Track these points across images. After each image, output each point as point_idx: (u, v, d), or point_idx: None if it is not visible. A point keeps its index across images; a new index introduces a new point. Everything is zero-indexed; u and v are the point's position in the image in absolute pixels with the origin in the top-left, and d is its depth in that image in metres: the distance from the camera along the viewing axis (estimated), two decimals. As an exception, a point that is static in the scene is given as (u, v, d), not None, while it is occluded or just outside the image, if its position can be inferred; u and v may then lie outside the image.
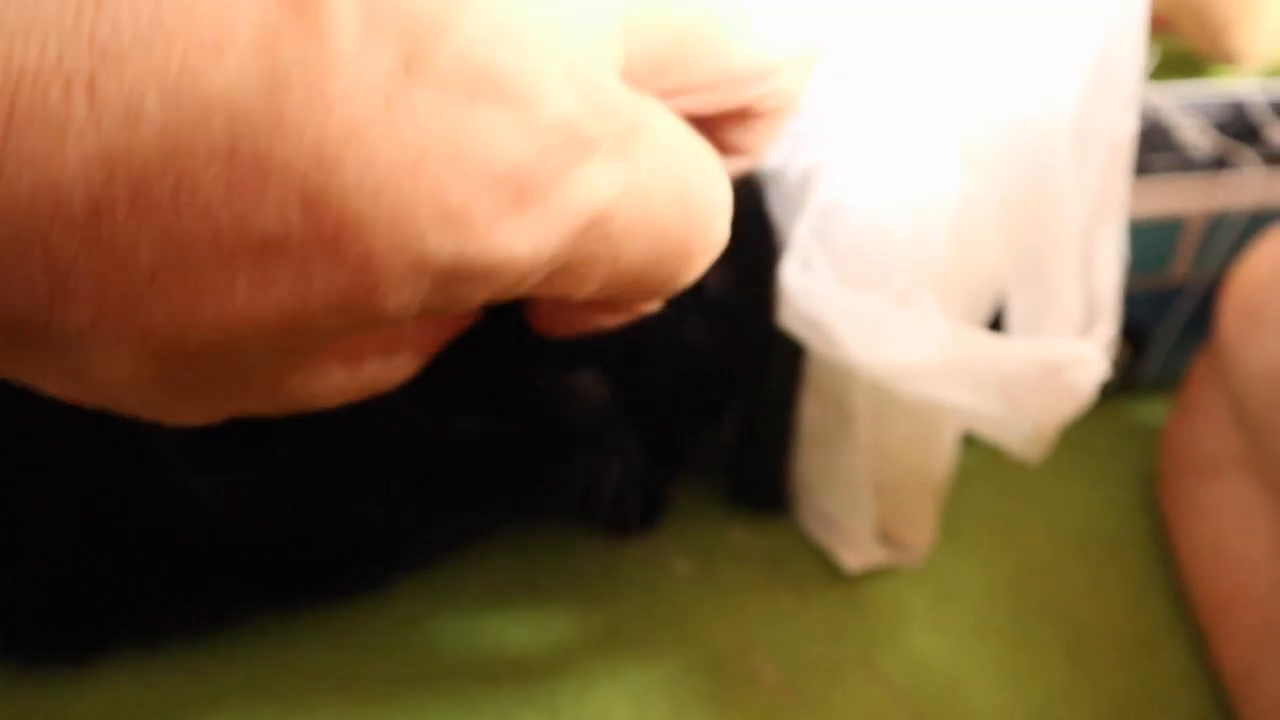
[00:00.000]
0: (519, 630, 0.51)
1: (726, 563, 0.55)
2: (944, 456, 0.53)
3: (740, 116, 0.28)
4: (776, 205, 0.45)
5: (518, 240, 0.21)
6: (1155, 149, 0.66)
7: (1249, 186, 0.58)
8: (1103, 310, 0.48)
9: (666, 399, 0.48)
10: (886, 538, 0.54)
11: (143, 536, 0.44)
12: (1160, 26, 0.85)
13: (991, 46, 0.43)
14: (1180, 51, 0.85)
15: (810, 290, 0.41)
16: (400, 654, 0.50)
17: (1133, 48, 0.44)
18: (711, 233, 0.27)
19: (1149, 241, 0.58)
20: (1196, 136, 0.63)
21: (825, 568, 0.54)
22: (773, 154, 0.42)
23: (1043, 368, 0.43)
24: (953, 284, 0.44)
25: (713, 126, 0.28)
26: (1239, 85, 0.68)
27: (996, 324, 0.49)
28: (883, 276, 0.42)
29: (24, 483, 0.42)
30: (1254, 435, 0.48)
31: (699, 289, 0.35)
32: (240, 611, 0.50)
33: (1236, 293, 0.47)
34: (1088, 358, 0.44)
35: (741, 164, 0.30)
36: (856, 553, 0.54)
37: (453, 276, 0.21)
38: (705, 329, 0.46)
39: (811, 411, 0.52)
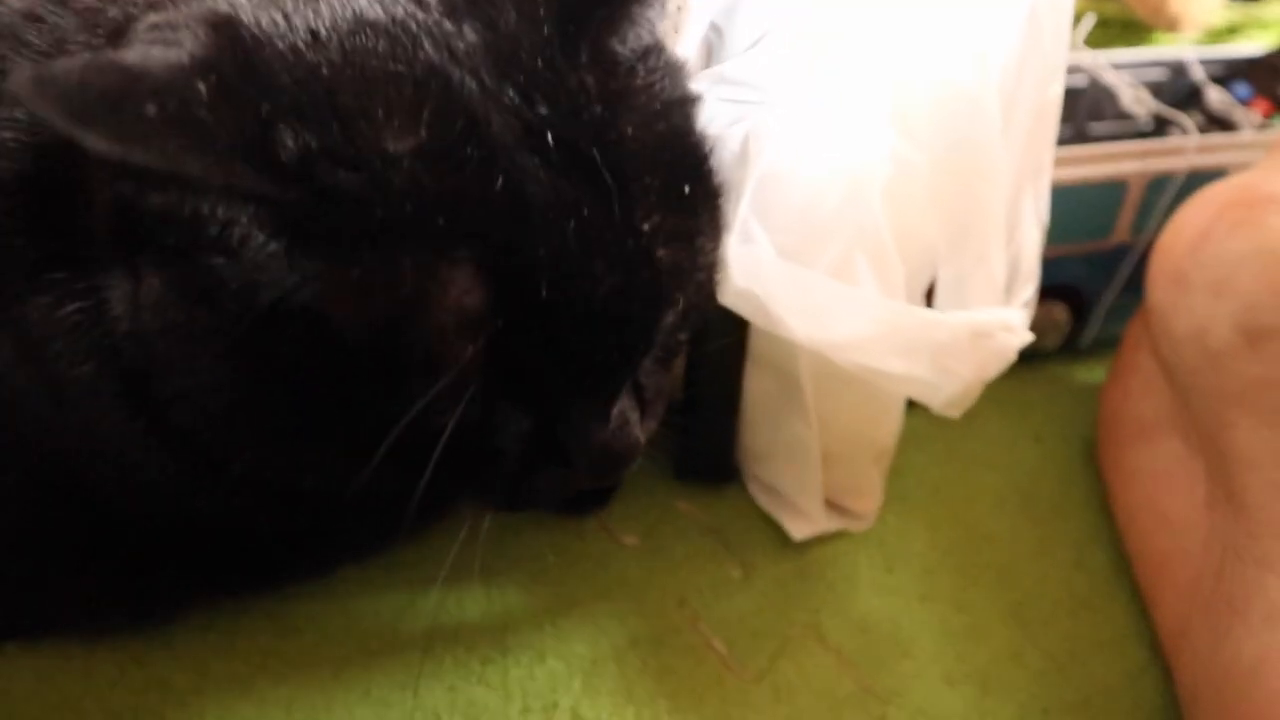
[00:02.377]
0: (468, 607, 0.51)
1: (674, 535, 0.55)
2: (890, 424, 0.53)
3: None
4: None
5: None
6: (1096, 115, 0.67)
7: (1188, 151, 0.58)
8: (1025, 272, 0.49)
9: None
10: (834, 505, 0.55)
11: (90, 520, 0.44)
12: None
13: (923, 12, 0.43)
14: (1121, 17, 0.86)
15: (750, 264, 0.41)
16: (347, 637, 0.50)
17: (1060, 13, 0.44)
18: None
19: (1090, 206, 0.59)
20: (1136, 102, 0.63)
21: (773, 537, 0.55)
22: (717, 118, 0.42)
23: (971, 334, 0.43)
24: (890, 252, 0.44)
25: None
26: (1178, 51, 0.68)
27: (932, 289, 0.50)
28: (819, 246, 0.42)
29: None
30: (1181, 396, 0.48)
31: None
32: (185, 599, 0.49)
33: (1163, 256, 0.47)
34: (1012, 322, 0.45)
35: None
36: (804, 521, 0.54)
37: None
38: None
39: (757, 383, 0.52)
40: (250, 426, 0.36)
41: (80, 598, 0.47)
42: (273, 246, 0.32)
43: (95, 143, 0.29)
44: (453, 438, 0.35)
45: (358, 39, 0.33)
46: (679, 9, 0.45)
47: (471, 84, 0.33)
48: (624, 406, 0.39)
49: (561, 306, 0.34)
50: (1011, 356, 0.45)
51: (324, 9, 0.34)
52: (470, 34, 0.34)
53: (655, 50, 0.38)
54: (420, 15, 0.34)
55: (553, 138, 0.34)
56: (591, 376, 0.37)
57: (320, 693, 0.47)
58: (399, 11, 0.34)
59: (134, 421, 0.39)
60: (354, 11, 0.34)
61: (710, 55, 0.47)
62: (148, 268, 0.34)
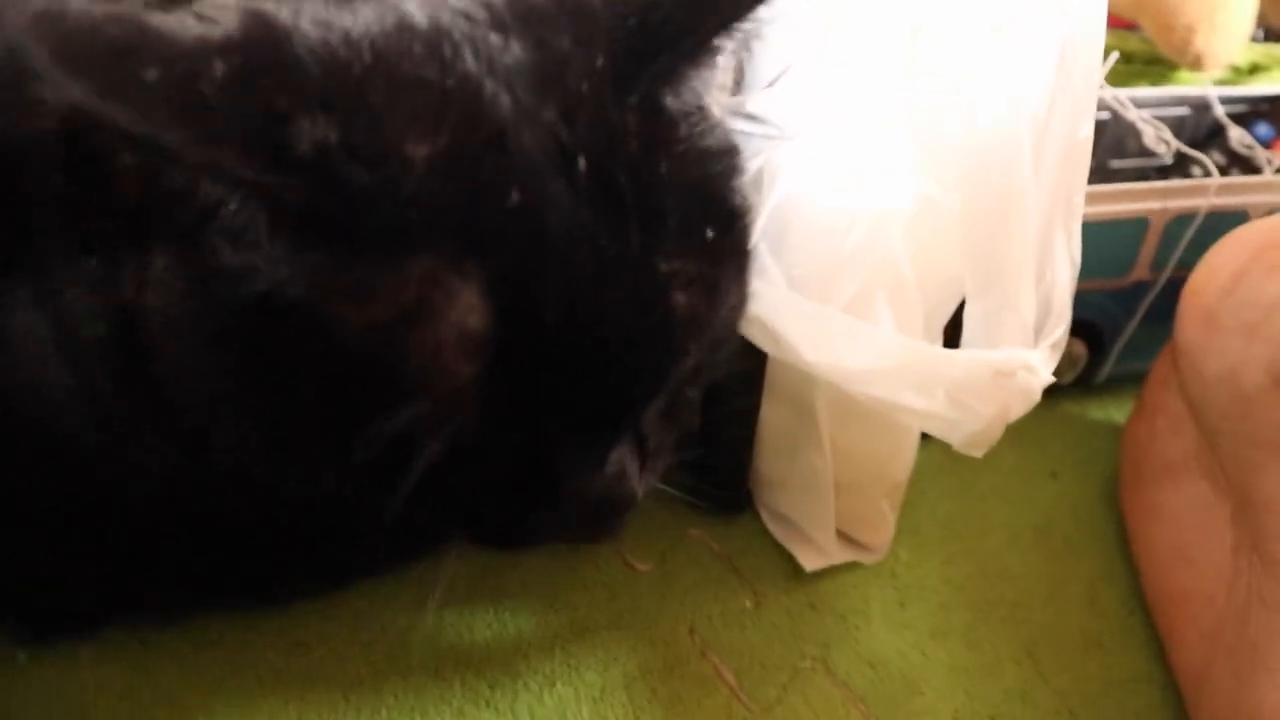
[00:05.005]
0: (479, 630, 0.51)
1: (687, 563, 0.55)
2: (904, 457, 0.53)
3: None
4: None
5: None
6: (1117, 151, 0.67)
7: (1209, 190, 0.58)
8: (1055, 312, 0.49)
9: None
10: (846, 537, 0.55)
11: (104, 531, 0.44)
12: (1123, 28, 0.86)
13: (955, 49, 0.43)
14: (1145, 53, 0.86)
15: (765, 296, 0.41)
16: (357, 656, 0.49)
17: (1091, 53, 0.44)
18: None
19: (1111, 243, 0.59)
20: (1157, 140, 0.63)
21: (785, 567, 0.54)
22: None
23: (991, 373, 0.43)
24: (910, 289, 0.44)
25: None
26: (1200, 89, 0.69)
27: (956, 324, 0.50)
28: (837, 280, 0.42)
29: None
30: (1209, 438, 0.48)
31: None
32: (196, 612, 0.49)
33: (1194, 297, 0.47)
34: (1033, 362, 0.45)
35: None
36: (816, 552, 0.54)
37: None
38: None
39: (772, 412, 0.52)
40: (234, 416, 0.36)
41: (93, 593, 0.47)
42: (271, 236, 0.32)
43: (76, 93, 0.28)
44: (442, 463, 0.34)
45: (394, 42, 0.33)
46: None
47: (505, 98, 0.33)
48: (622, 456, 0.38)
49: (565, 339, 0.34)
50: (1036, 397, 0.45)
51: (366, 12, 0.34)
52: (516, 49, 0.34)
53: (703, 110, 0.38)
54: (465, 26, 0.34)
55: (584, 163, 0.33)
56: (590, 418, 0.36)
57: (330, 713, 0.47)
58: (444, 20, 0.34)
59: (132, 399, 0.38)
60: (397, 17, 0.34)
61: (738, 78, 0.47)
62: (158, 244, 0.34)
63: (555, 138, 0.33)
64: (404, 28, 0.33)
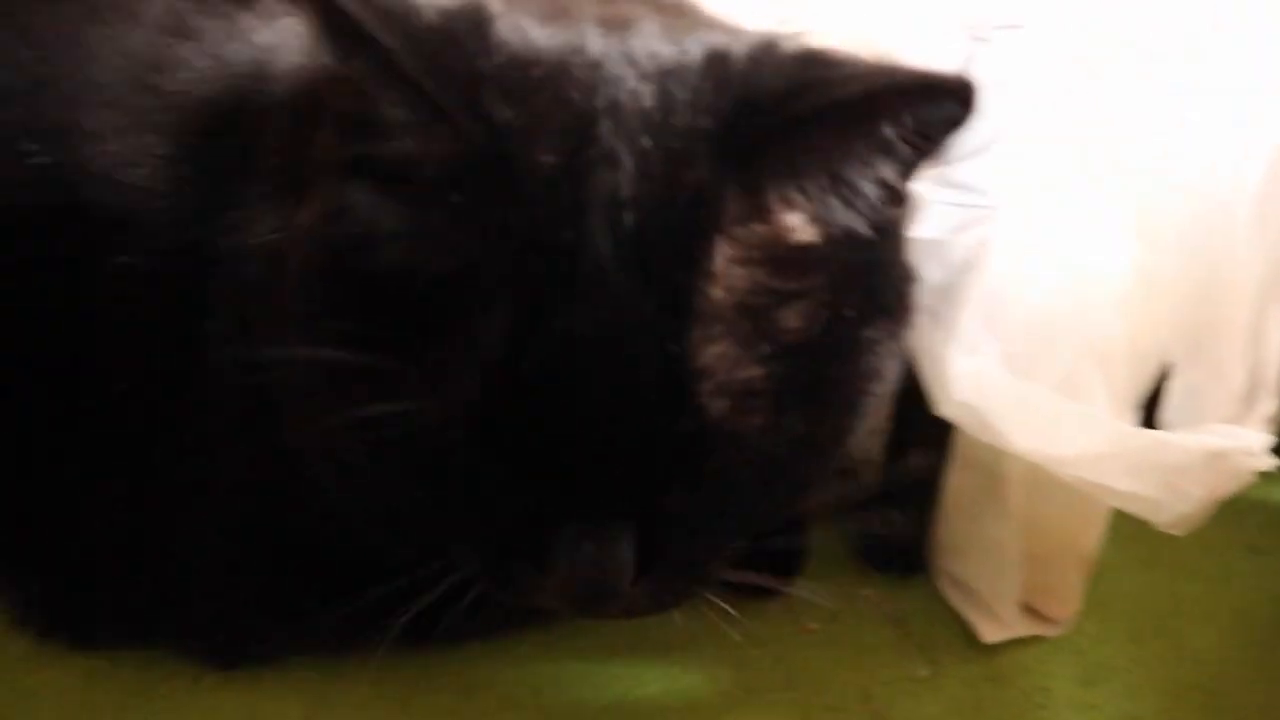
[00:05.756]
0: (648, 683, 0.51)
1: (858, 624, 0.53)
2: (1096, 530, 0.51)
3: None
4: (929, 276, 0.43)
5: None
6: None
7: None
8: (1266, 387, 0.46)
9: None
10: (1028, 608, 0.52)
11: (292, 553, 0.46)
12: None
13: (1176, 121, 0.41)
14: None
15: (974, 377, 0.40)
16: (524, 703, 0.50)
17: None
18: None
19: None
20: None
21: (961, 636, 0.52)
22: (931, 223, 0.41)
23: (1205, 455, 0.41)
24: (1121, 362, 0.42)
25: None
26: None
27: (1156, 393, 0.47)
28: (1048, 357, 0.41)
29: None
30: None
31: None
32: (365, 647, 0.51)
33: None
34: (1253, 446, 0.42)
35: None
36: (996, 623, 0.52)
37: None
38: None
39: (958, 478, 0.51)
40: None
41: (278, 621, 0.49)
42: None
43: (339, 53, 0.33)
44: (449, 480, 0.36)
45: (563, 60, 0.35)
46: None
47: (610, 138, 0.34)
48: (617, 543, 0.35)
49: (566, 389, 0.33)
50: (1248, 478, 0.42)
51: (553, 32, 0.36)
52: (644, 98, 0.34)
53: (850, 231, 0.36)
54: (615, 65, 0.35)
55: (632, 219, 0.33)
56: (585, 489, 0.35)
57: (502, 760, 0.48)
58: (605, 53, 0.35)
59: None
60: (573, 40, 0.35)
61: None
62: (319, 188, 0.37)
63: (615, 186, 0.33)
64: (575, 50, 0.35)
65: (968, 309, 0.40)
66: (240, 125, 0.43)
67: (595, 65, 0.35)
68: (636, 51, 0.35)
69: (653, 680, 0.51)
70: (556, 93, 0.34)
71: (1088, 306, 0.41)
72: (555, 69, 0.35)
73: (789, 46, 0.36)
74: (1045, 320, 0.40)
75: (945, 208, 0.41)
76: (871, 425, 0.50)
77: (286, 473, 0.42)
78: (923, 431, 0.48)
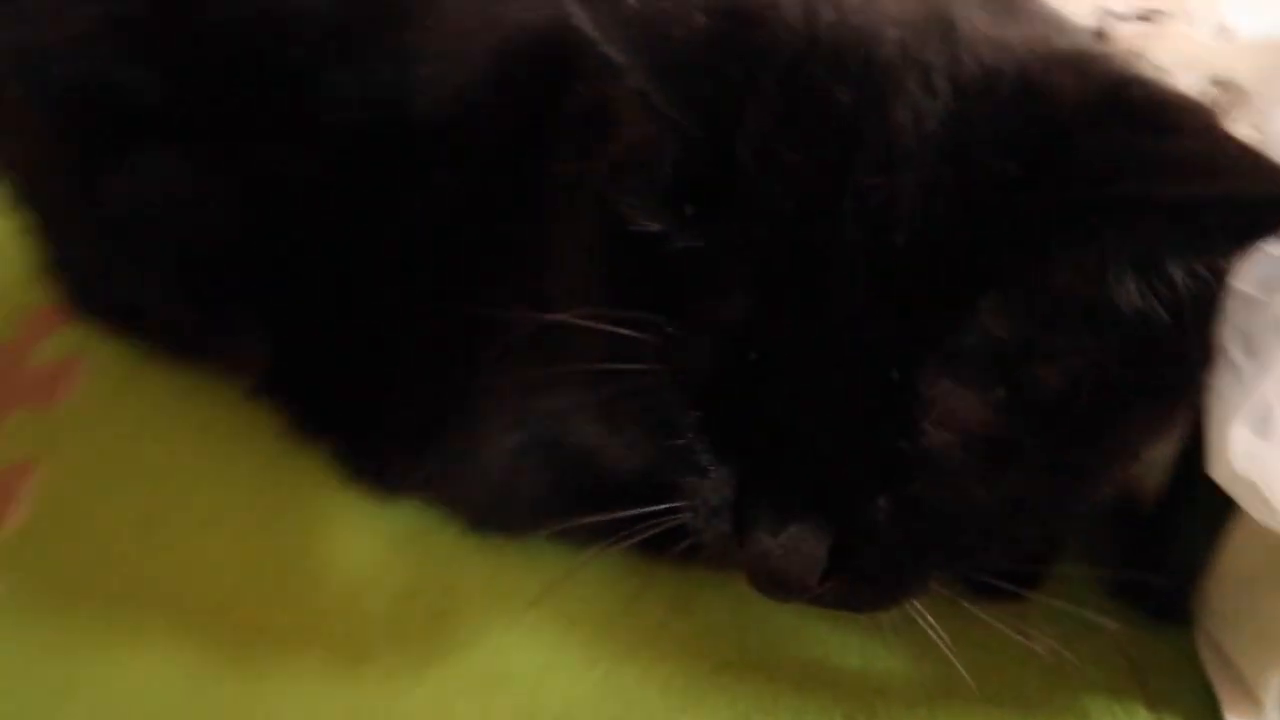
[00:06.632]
0: (850, 653, 0.51)
1: (1089, 657, 0.49)
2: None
3: None
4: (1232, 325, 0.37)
5: None
6: None
7: None
8: None
9: None
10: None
11: None
12: None
13: None
14: None
15: (1259, 456, 0.35)
16: (730, 637, 0.52)
17: None
18: None
19: None
20: None
21: (1203, 704, 0.48)
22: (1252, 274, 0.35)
23: None
24: None
25: None
26: None
27: None
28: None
29: None
30: None
31: None
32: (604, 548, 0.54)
33: None
34: None
35: None
36: (1249, 704, 0.46)
37: None
38: None
39: (1241, 539, 0.45)
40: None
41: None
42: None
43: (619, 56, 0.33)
44: (674, 441, 0.36)
45: (831, 64, 0.34)
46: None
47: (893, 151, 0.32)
48: (805, 535, 0.36)
49: (790, 390, 0.33)
50: None
51: (837, 31, 0.35)
52: (934, 120, 0.32)
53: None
54: (917, 75, 0.33)
55: (902, 239, 0.32)
56: (782, 477, 0.35)
57: (694, 685, 0.50)
58: (898, 66, 0.34)
59: None
60: (866, 52, 0.34)
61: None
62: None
63: (890, 203, 0.32)
64: (874, 38, 0.34)
65: (1270, 377, 0.35)
66: (562, 57, 0.44)
67: (887, 76, 0.33)
68: (932, 59, 0.33)
69: (855, 652, 0.51)
70: (830, 103, 0.33)
71: None
72: (830, 73, 0.33)
73: (1116, 77, 0.32)
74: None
75: (1272, 258, 0.35)
76: (1155, 457, 0.46)
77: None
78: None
